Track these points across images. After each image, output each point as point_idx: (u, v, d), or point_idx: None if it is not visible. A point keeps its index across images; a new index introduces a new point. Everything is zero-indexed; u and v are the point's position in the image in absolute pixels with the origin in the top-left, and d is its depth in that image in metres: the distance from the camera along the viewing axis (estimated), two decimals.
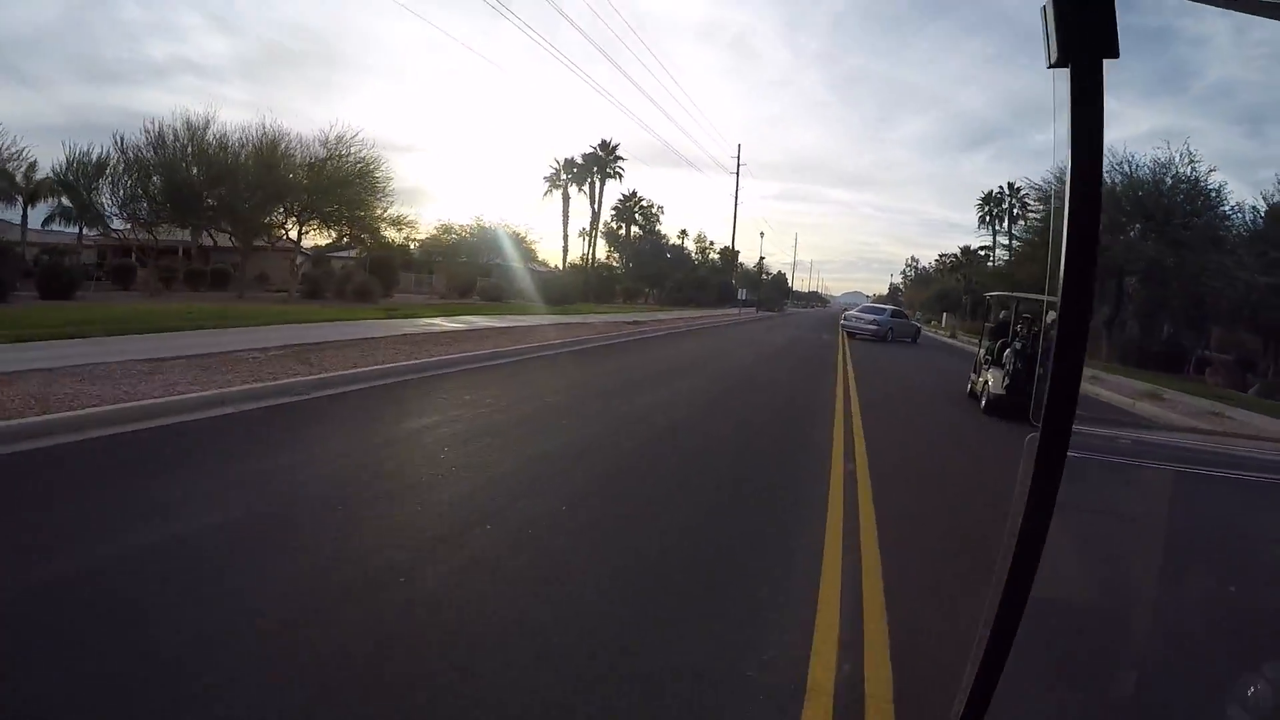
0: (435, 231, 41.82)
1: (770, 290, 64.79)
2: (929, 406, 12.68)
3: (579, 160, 45.83)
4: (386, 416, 7.38)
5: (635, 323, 25.31)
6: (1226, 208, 24.48)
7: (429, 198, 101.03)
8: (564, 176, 46.26)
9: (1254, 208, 22.83)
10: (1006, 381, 11.17)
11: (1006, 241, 53.02)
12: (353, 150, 29.55)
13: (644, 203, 52.23)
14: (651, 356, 15.81)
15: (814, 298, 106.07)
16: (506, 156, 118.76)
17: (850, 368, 16.60)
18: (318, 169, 28.97)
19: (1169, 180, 24.37)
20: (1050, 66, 0.80)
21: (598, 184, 46.53)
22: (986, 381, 11.77)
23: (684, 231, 61.31)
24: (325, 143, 29.29)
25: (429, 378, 9.86)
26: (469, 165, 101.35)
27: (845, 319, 32.13)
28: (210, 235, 30.71)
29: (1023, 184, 47.21)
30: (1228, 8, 0.98)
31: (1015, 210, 53.15)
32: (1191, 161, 24.03)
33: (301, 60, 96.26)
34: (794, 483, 6.13)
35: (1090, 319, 0.86)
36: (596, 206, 47.60)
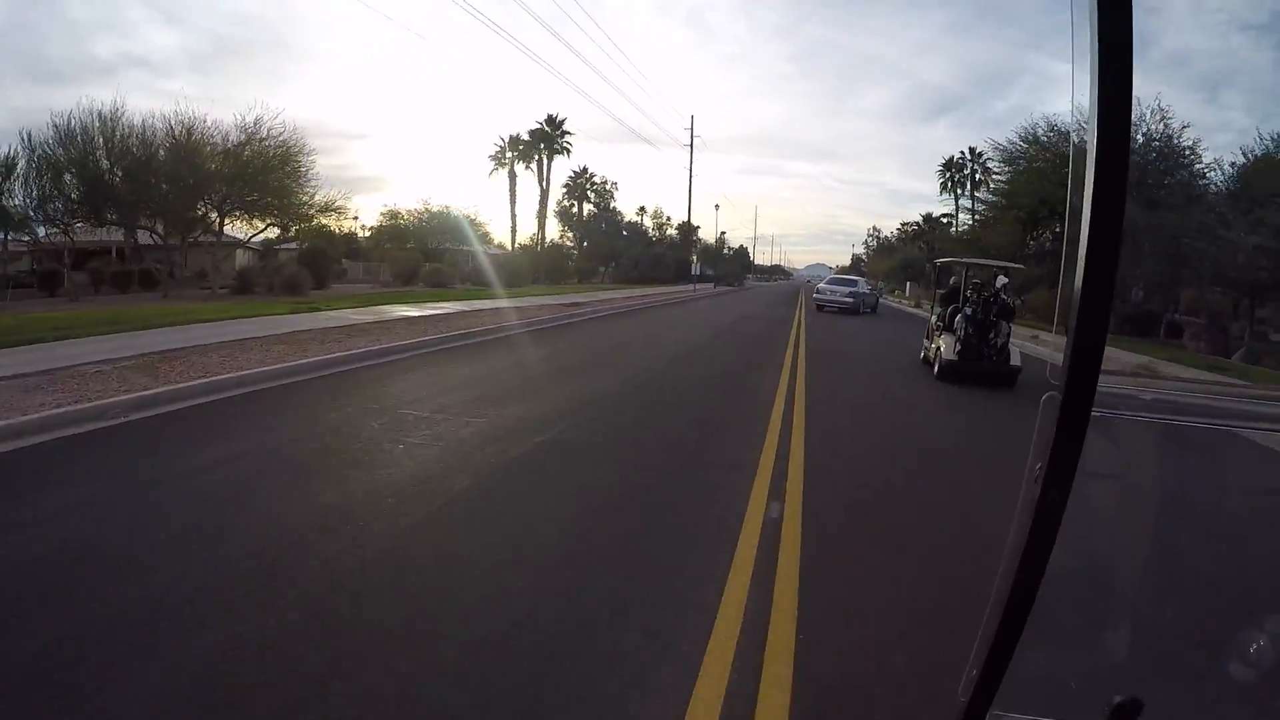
0: (381, 218, 40.38)
1: (730, 265, 63.79)
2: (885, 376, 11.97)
3: (525, 137, 44.31)
4: (182, 449, 5.97)
5: (574, 304, 24.34)
6: (1202, 165, 23.40)
7: (386, 184, 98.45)
8: (510, 154, 44.67)
9: (1233, 163, 22.28)
10: (958, 346, 11.39)
11: (970, 206, 52.71)
12: (272, 134, 28.18)
13: (595, 179, 50.87)
14: (569, 345, 14.50)
15: (777, 271, 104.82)
16: (459, 138, 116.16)
17: (803, 351, 15.29)
18: (235, 156, 27.58)
19: (1140, 137, 23.71)
20: None
21: (545, 161, 44.96)
22: (939, 347, 11.96)
23: (642, 208, 60.25)
24: (243, 128, 27.92)
25: (285, 386, 8.73)
26: (422, 149, 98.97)
27: (817, 292, 31.07)
28: (132, 234, 29.23)
29: (985, 148, 46.59)
30: None
31: (978, 175, 52.82)
32: (1164, 119, 23.06)
33: (252, 51, 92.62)
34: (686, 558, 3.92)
35: (1118, 258, 0.80)
36: (545, 184, 46.05)
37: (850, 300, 29.40)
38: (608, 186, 53.32)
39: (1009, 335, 11.43)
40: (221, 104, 78.94)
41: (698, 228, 57.93)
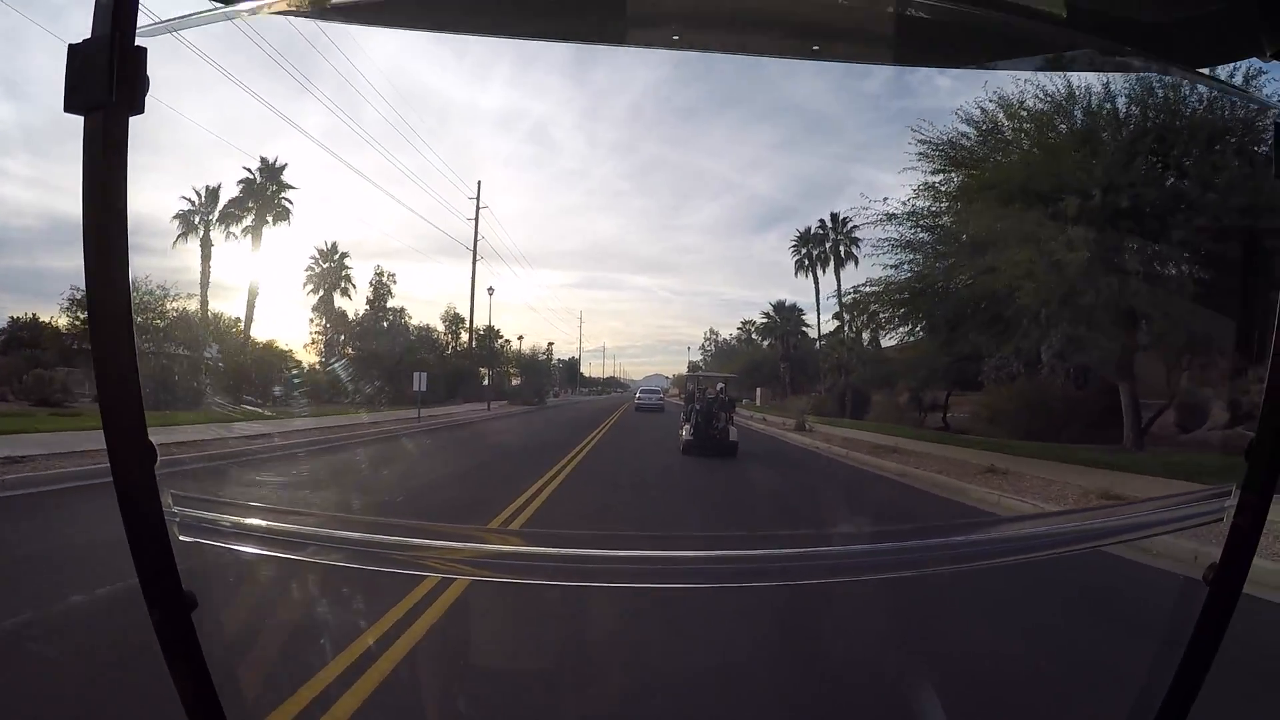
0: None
1: (539, 377, 51.97)
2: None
3: (237, 193, 30.64)
4: None
5: None
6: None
7: None
8: (203, 216, 30.74)
9: None
10: (692, 431, 16.52)
11: (837, 286, 44.53)
12: None
13: (348, 262, 36.58)
14: None
15: (611, 383, 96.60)
16: None
17: None
18: None
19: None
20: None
21: (251, 223, 31.21)
22: (682, 432, 17.16)
23: (456, 315, 46.49)
24: None
25: None
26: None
27: (639, 398, 41.35)
28: None
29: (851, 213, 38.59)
30: None
31: (842, 248, 44.97)
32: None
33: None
34: None
35: None
36: (254, 254, 32.09)
37: (660, 401, 40.36)
38: (384, 278, 39.70)
39: (727, 420, 16.70)
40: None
41: (494, 330, 45.22)
